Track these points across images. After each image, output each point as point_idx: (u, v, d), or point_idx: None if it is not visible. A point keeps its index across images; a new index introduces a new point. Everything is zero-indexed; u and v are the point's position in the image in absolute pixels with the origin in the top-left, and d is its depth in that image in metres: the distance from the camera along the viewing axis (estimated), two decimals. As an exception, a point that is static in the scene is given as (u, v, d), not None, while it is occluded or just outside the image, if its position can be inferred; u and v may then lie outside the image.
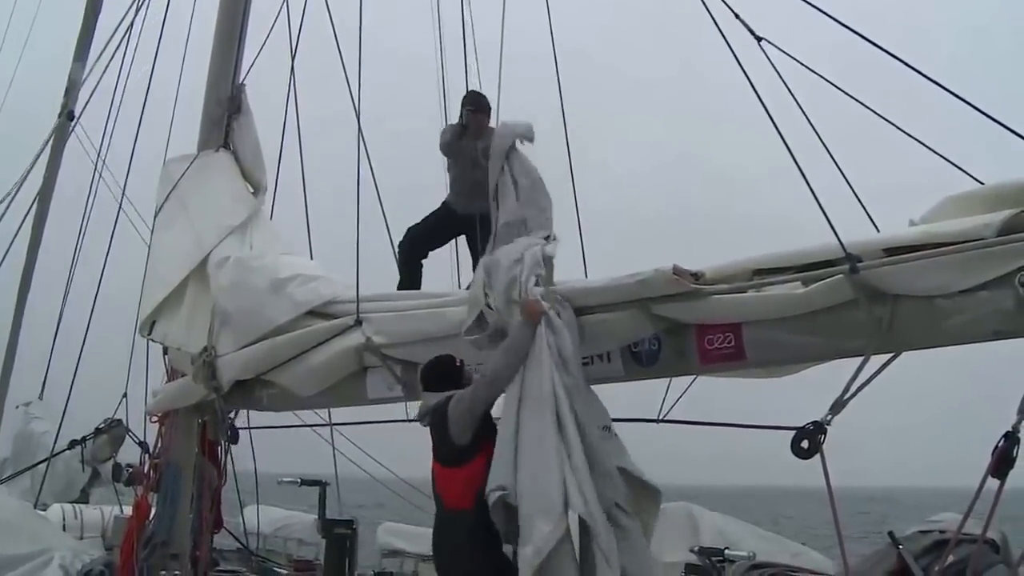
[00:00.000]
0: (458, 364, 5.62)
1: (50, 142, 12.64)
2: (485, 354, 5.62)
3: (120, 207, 10.26)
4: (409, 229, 7.93)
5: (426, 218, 7.95)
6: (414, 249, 7.87)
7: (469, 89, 7.79)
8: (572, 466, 4.77)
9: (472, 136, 7.62)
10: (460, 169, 7.68)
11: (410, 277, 7.86)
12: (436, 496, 5.38)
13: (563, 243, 5.91)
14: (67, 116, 12.70)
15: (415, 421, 5.72)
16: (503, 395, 5.18)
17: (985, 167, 5.04)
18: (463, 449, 5.16)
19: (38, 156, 12.26)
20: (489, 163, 6.29)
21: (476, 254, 7.49)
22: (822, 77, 5.67)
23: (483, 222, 7.01)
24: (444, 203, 7.93)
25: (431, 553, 5.66)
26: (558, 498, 4.69)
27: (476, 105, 7.67)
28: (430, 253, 8.10)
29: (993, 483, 4.16)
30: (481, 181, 6.88)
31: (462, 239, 8.17)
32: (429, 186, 8.46)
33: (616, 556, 4.67)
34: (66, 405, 10.54)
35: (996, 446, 4.08)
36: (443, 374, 5.59)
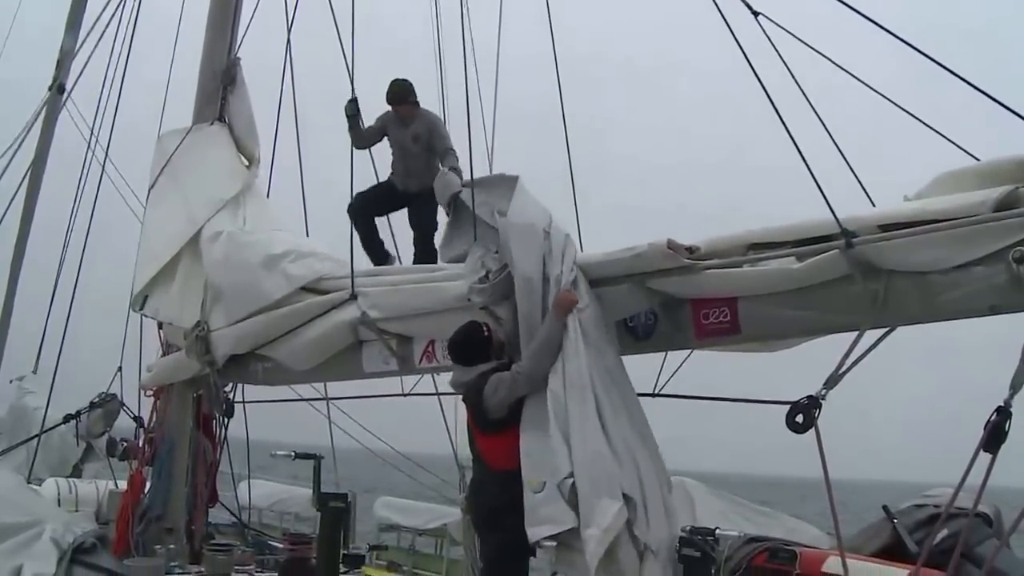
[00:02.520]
0: (486, 333, 5.69)
1: (41, 115, 12.56)
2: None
3: (100, 177, 10.17)
4: (356, 195, 8.00)
5: (372, 187, 8.09)
6: (359, 214, 7.94)
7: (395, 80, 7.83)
8: (624, 447, 5.02)
9: (403, 124, 7.82)
10: (395, 154, 7.94)
11: (367, 236, 8.00)
12: (477, 457, 5.60)
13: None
14: (58, 89, 12.60)
15: (411, 395, 5.79)
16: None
17: (981, 143, 5.03)
18: (500, 420, 5.36)
19: (27, 130, 12.20)
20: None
21: (416, 227, 7.79)
22: (819, 52, 5.66)
23: (420, 198, 7.60)
24: (389, 177, 8.12)
25: (428, 527, 5.80)
26: (618, 480, 4.91)
27: (394, 98, 7.79)
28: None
29: (985, 458, 4.17)
30: (411, 167, 7.78)
31: None
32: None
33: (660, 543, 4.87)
34: (53, 378, 10.51)
35: (988, 420, 4.10)
36: (473, 348, 5.68)
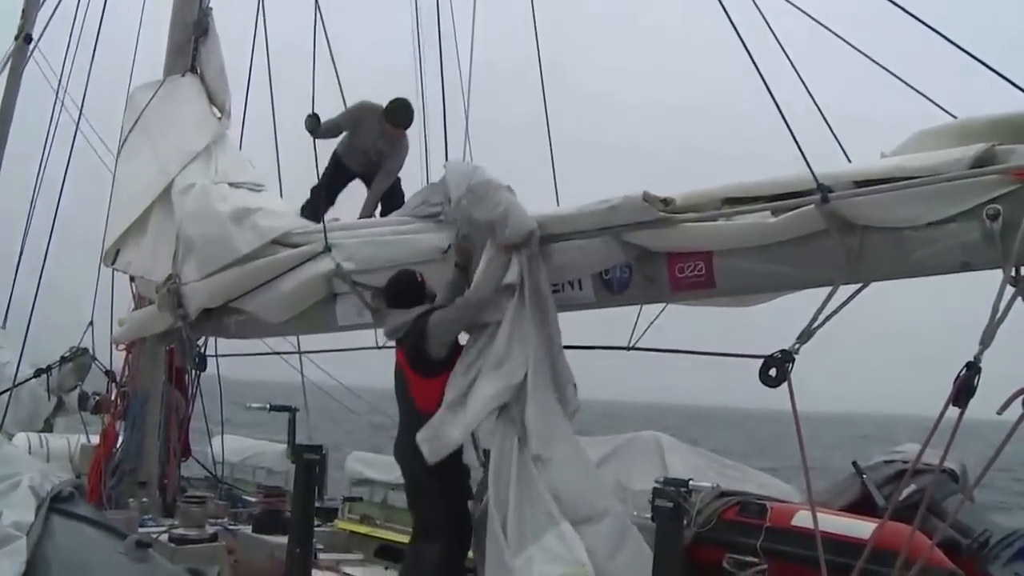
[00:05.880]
0: (420, 280, 5.83)
1: (7, 67, 12.29)
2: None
3: (78, 129, 10.01)
4: (312, 191, 7.93)
5: (323, 178, 7.87)
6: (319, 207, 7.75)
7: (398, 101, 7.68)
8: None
9: (386, 141, 7.75)
10: (361, 144, 7.81)
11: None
12: (410, 406, 5.58)
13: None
14: (24, 39, 12.31)
15: (385, 348, 5.77)
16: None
17: (958, 101, 5.03)
18: (439, 362, 5.46)
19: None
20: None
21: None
22: (796, 7, 5.63)
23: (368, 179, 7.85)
24: (335, 155, 7.98)
25: (400, 481, 5.78)
26: None
27: (405, 122, 7.71)
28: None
29: (954, 413, 4.21)
30: (373, 162, 7.77)
31: None
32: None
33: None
34: (26, 333, 10.42)
35: (958, 376, 4.13)
36: (409, 291, 5.80)
